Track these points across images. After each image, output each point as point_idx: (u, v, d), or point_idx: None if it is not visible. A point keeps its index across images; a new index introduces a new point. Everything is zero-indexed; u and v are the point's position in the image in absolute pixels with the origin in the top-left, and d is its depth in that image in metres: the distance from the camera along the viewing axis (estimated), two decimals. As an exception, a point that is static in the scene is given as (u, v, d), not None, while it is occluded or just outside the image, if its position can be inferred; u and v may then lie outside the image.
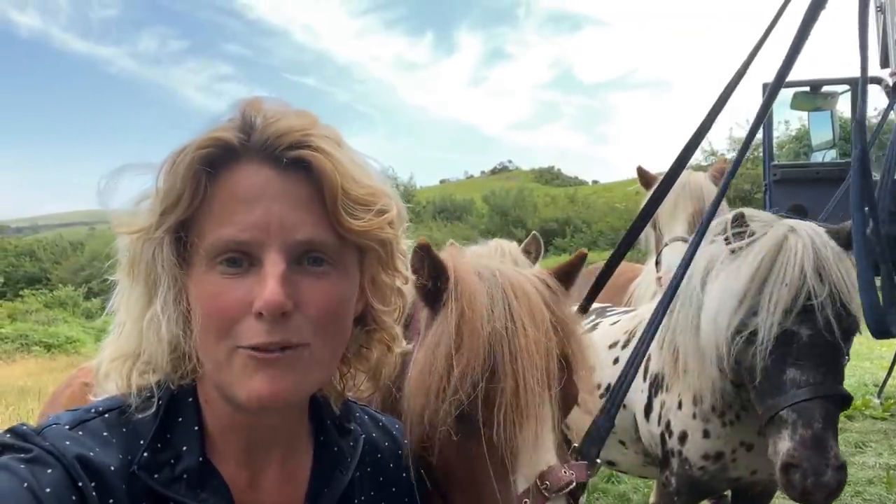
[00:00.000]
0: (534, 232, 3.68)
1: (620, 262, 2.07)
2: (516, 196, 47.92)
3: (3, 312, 28.24)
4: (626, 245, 2.04)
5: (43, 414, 2.09)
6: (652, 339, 1.63)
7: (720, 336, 2.12)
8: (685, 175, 3.48)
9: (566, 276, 1.39)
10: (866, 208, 1.88)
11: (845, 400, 1.96)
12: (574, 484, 1.13)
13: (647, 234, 3.77)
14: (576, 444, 1.37)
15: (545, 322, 1.21)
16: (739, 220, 2.14)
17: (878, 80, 4.61)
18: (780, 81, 1.77)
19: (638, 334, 2.65)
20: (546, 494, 1.11)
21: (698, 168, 5.30)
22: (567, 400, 1.26)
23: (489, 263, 1.33)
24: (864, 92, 1.89)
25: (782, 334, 1.98)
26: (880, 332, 1.88)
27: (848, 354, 2.06)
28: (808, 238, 2.03)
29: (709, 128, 1.95)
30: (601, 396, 2.64)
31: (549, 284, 1.30)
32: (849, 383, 8.19)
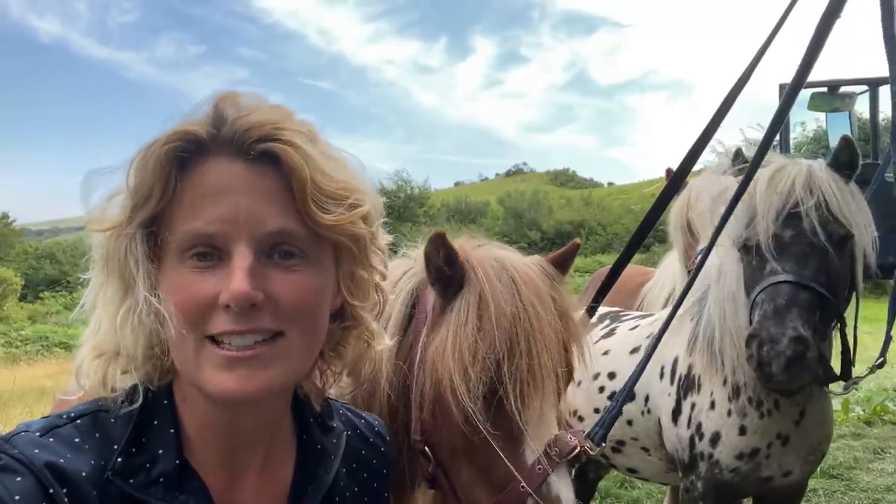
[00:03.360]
0: None
1: (626, 264, 2.08)
2: (531, 198, 47.78)
3: (24, 314, 28.69)
4: (632, 248, 2.05)
5: (55, 416, 2.09)
6: (663, 333, 1.72)
7: (732, 251, 2.28)
8: (723, 180, 3.40)
9: (561, 263, 1.49)
10: None
11: (823, 297, 2.08)
12: (580, 448, 1.29)
13: (676, 238, 3.57)
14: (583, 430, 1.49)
15: (551, 307, 1.34)
16: (740, 157, 2.35)
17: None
18: (792, 95, 1.76)
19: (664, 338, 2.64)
20: (556, 459, 1.25)
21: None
22: (567, 377, 1.38)
23: (495, 252, 1.43)
24: None
25: (773, 237, 2.14)
26: None
27: (856, 286, 2.24)
28: (805, 162, 2.22)
29: (713, 132, 1.96)
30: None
31: (546, 271, 1.42)
32: (868, 387, 8.14)
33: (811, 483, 5.04)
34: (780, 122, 1.89)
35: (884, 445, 5.99)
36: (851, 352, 2.33)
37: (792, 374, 2.00)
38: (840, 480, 5.23)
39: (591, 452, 1.33)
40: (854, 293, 2.31)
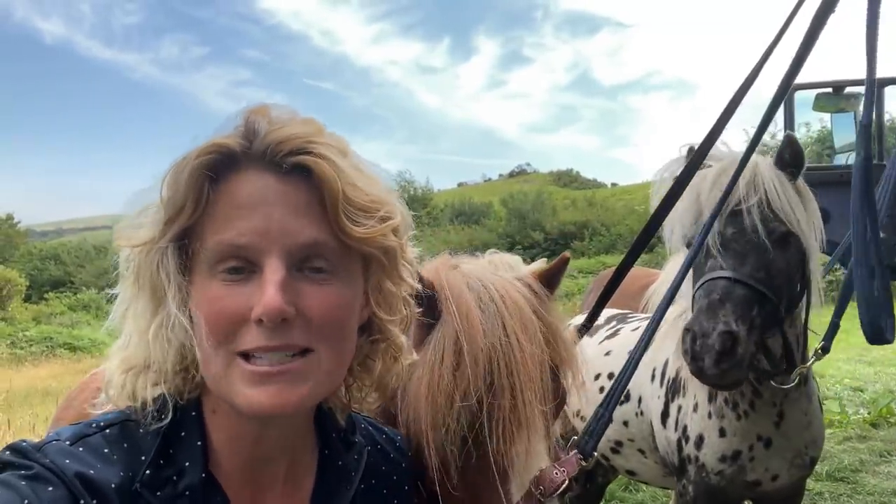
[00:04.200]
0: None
1: (629, 269, 2.07)
2: (534, 199, 47.58)
3: (28, 315, 28.77)
4: (634, 255, 2.05)
5: (57, 418, 2.10)
6: (651, 338, 1.72)
7: (683, 251, 2.34)
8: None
9: (550, 280, 1.40)
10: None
11: (761, 294, 2.08)
12: (567, 482, 1.20)
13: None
14: (575, 438, 1.44)
15: (537, 334, 1.24)
16: (691, 151, 2.41)
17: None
18: (783, 91, 1.76)
19: (658, 341, 2.62)
20: (541, 499, 1.18)
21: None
22: (558, 405, 1.29)
23: (478, 273, 1.33)
24: (872, 95, 1.88)
25: (717, 234, 2.16)
26: (875, 337, 1.89)
27: (806, 282, 2.24)
28: (753, 159, 2.14)
29: (718, 135, 1.96)
30: (621, 403, 2.65)
31: (534, 290, 1.32)
32: (874, 389, 8.06)
33: (817, 486, 5.02)
34: (770, 117, 1.89)
35: (890, 448, 5.95)
36: (798, 347, 2.34)
37: (723, 369, 2.00)
38: (846, 483, 5.20)
39: (584, 464, 1.28)
40: (807, 291, 2.31)
